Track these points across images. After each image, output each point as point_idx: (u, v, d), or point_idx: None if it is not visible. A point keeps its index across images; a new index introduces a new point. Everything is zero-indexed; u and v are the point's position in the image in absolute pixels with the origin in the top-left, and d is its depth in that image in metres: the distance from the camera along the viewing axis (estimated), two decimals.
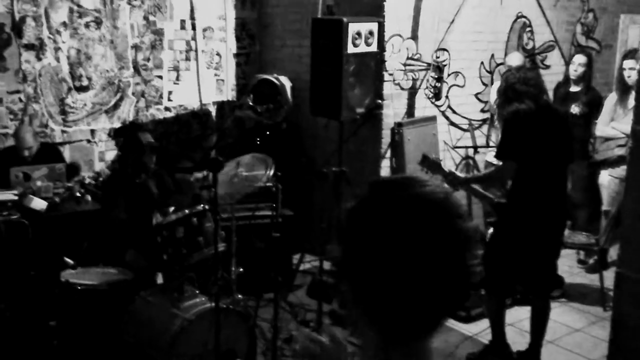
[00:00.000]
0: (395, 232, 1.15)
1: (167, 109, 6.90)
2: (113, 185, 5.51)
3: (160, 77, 6.81)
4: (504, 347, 4.82)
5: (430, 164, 4.80)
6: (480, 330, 5.23)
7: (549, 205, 4.52)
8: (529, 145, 4.45)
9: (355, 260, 1.18)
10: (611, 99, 6.34)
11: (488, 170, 4.55)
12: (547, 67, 7.31)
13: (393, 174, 6.11)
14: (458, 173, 4.98)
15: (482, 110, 6.84)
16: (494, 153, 5.16)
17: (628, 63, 6.16)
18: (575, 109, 6.52)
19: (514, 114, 4.46)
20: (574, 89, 6.56)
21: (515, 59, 6.34)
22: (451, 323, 5.43)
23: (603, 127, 6.34)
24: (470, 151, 6.57)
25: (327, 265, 5.27)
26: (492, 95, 6.40)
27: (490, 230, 5.24)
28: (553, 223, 4.61)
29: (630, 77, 6.08)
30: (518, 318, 5.24)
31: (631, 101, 6.11)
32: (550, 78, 7.24)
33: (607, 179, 6.31)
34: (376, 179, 1.27)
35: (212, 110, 7.22)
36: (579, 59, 6.51)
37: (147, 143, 5.37)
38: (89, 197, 5.60)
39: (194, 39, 6.96)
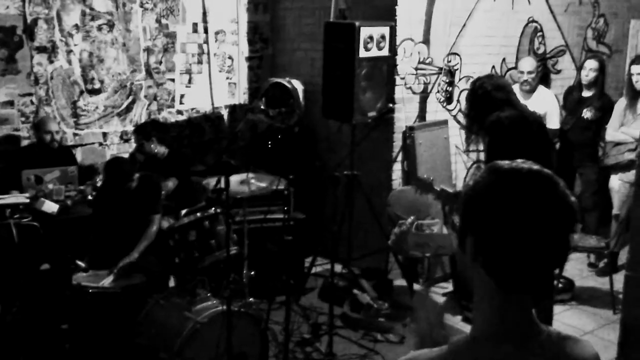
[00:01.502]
0: (514, 197, 1.37)
1: (179, 112, 6.92)
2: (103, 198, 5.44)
3: (173, 80, 6.83)
4: None
5: (421, 184, 4.81)
6: None
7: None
8: (516, 152, 4.39)
9: (480, 222, 1.40)
10: (620, 103, 6.33)
11: None
12: (558, 71, 7.30)
13: (405, 178, 6.12)
14: (448, 189, 4.96)
15: None
16: None
17: (636, 68, 6.16)
18: (587, 114, 6.52)
19: (497, 122, 4.39)
20: (586, 93, 6.56)
21: (528, 64, 6.33)
22: (461, 325, 5.43)
23: (613, 131, 6.33)
24: (482, 155, 6.56)
25: (338, 268, 5.27)
26: None
27: None
28: None
29: (638, 82, 6.08)
30: None
31: None
32: (562, 83, 7.25)
33: (618, 183, 6.31)
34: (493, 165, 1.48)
35: (225, 113, 7.23)
36: (591, 64, 6.51)
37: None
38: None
39: (206, 42, 6.98)
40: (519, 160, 1.47)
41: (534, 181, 1.40)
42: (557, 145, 7.04)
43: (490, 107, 4.45)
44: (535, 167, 1.44)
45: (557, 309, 5.72)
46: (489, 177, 1.43)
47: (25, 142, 6.03)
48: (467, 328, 5.32)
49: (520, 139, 4.37)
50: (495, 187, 1.41)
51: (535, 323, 1.48)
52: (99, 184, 5.70)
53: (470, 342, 1.45)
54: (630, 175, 6.06)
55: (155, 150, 6.06)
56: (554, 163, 4.70)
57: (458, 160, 6.53)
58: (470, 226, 1.43)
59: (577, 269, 6.63)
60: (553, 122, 6.38)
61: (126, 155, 6.54)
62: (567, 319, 5.57)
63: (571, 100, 6.72)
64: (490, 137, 4.51)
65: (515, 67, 6.61)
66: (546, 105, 6.34)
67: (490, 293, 1.43)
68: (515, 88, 6.41)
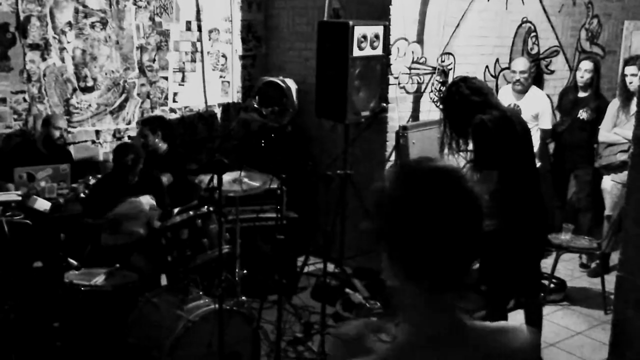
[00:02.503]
0: (422, 198, 1.37)
1: (172, 110, 6.91)
2: (103, 189, 5.46)
3: (166, 78, 6.82)
4: None
5: None
6: None
7: (530, 207, 4.48)
8: (502, 153, 4.35)
9: (392, 226, 1.40)
10: (614, 104, 6.35)
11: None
12: (552, 72, 7.32)
13: None
14: None
15: None
16: None
17: (630, 69, 6.18)
18: (583, 115, 6.54)
19: (481, 124, 4.32)
20: (581, 94, 6.59)
21: (521, 64, 6.34)
22: None
23: (606, 132, 6.35)
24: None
25: (330, 267, 5.27)
26: (500, 100, 6.40)
27: None
28: (536, 225, 4.55)
29: (632, 83, 6.10)
30: (519, 321, 5.24)
31: (633, 107, 6.12)
32: (555, 83, 7.26)
33: (610, 184, 6.33)
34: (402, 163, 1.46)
35: (218, 112, 7.23)
36: (586, 65, 6.53)
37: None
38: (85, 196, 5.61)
39: (199, 40, 6.97)
40: (424, 158, 1.47)
41: (435, 178, 1.40)
42: (551, 146, 7.06)
43: (470, 112, 4.38)
44: (438, 163, 1.44)
45: (549, 309, 5.73)
46: (393, 181, 1.43)
47: (17, 140, 6.01)
48: None
49: (505, 140, 4.35)
50: (399, 189, 1.41)
51: (460, 319, 1.48)
52: (91, 182, 5.69)
53: (398, 347, 1.45)
54: (623, 176, 6.08)
55: (158, 145, 6.11)
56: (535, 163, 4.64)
57: (451, 160, 6.53)
58: (383, 230, 1.43)
59: (569, 269, 6.66)
60: (545, 122, 6.40)
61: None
62: (558, 320, 5.59)
63: (567, 102, 6.74)
64: (475, 141, 4.47)
65: (509, 68, 6.62)
66: (538, 105, 6.35)
67: (412, 295, 1.44)
68: (508, 88, 6.44)
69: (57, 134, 5.83)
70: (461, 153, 4.80)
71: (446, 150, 4.68)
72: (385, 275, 1.48)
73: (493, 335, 1.51)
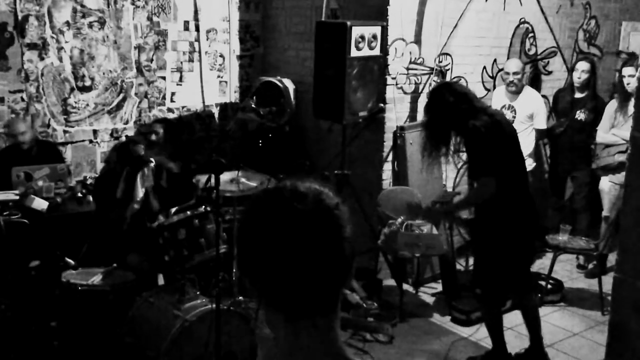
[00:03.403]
0: (275, 235, 1.30)
1: (169, 110, 6.90)
2: (108, 180, 5.52)
3: (164, 78, 6.82)
4: (506, 356, 4.82)
5: (412, 209, 4.79)
6: (482, 335, 5.24)
7: (521, 209, 4.49)
8: (499, 157, 4.36)
9: (248, 259, 1.35)
10: (611, 105, 6.36)
11: (466, 195, 4.39)
12: (549, 72, 7.32)
13: (394, 178, 6.13)
14: (436, 206, 4.97)
15: None
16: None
17: (627, 70, 6.19)
18: (580, 115, 6.55)
19: (476, 131, 4.28)
20: (578, 95, 6.59)
21: (514, 65, 6.34)
22: (449, 325, 5.45)
23: (603, 133, 6.35)
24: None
25: None
26: (495, 101, 6.42)
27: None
28: (527, 227, 4.56)
29: (630, 84, 6.11)
30: (515, 322, 5.24)
31: (631, 108, 6.10)
32: (552, 84, 7.27)
33: (608, 184, 6.33)
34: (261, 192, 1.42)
35: (215, 112, 7.23)
36: (582, 65, 6.54)
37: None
38: (90, 198, 5.61)
39: (197, 40, 6.97)
40: (288, 183, 1.39)
41: (273, 202, 1.34)
42: (548, 147, 7.07)
43: (456, 119, 4.36)
44: (285, 184, 1.38)
45: (546, 310, 5.74)
46: (244, 214, 1.39)
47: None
48: (455, 329, 5.36)
49: (498, 144, 4.35)
50: (245, 216, 1.38)
51: (334, 349, 1.39)
52: (88, 182, 5.70)
53: None
54: (620, 177, 6.09)
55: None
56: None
57: (448, 161, 6.52)
58: (240, 265, 1.39)
59: (566, 270, 6.67)
60: (540, 122, 6.41)
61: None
62: (555, 320, 5.59)
63: (563, 103, 6.74)
64: (470, 148, 4.44)
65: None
66: (533, 105, 6.36)
67: (281, 327, 1.37)
68: (502, 89, 6.45)
69: (20, 138, 5.65)
70: (444, 159, 4.76)
71: (429, 159, 4.61)
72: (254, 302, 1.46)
73: None
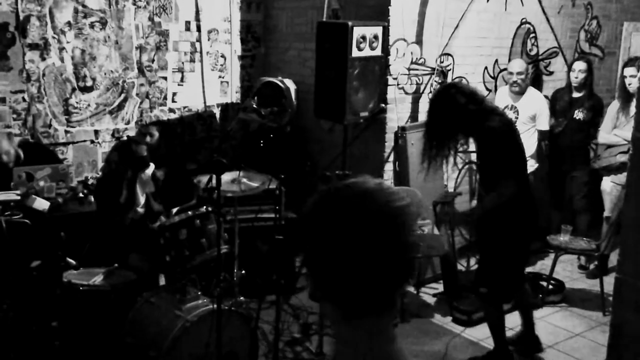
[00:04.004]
0: (342, 232, 1.31)
1: (171, 110, 6.91)
2: (110, 183, 5.53)
3: (165, 78, 6.82)
4: (508, 356, 4.83)
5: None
6: (483, 336, 5.24)
7: (526, 207, 4.52)
8: (514, 158, 4.40)
9: (313, 253, 1.36)
10: (614, 106, 6.37)
11: (491, 199, 4.39)
12: (551, 73, 7.32)
13: (396, 178, 6.13)
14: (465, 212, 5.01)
15: None
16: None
17: (629, 70, 6.19)
18: (579, 115, 6.56)
19: (492, 132, 4.28)
20: (576, 95, 6.60)
21: (517, 65, 6.35)
22: (450, 326, 5.45)
23: (605, 134, 6.36)
24: (473, 156, 6.58)
25: None
26: (498, 101, 6.41)
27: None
28: (530, 224, 4.60)
29: (631, 84, 6.11)
30: (517, 323, 5.24)
31: (633, 108, 6.14)
32: (554, 84, 7.27)
33: (609, 185, 6.34)
34: (329, 186, 1.42)
35: (217, 112, 7.23)
36: (579, 65, 6.55)
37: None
38: (92, 198, 5.61)
39: (198, 40, 6.97)
40: (355, 180, 1.40)
41: (350, 200, 1.35)
42: (547, 147, 7.06)
43: (469, 120, 4.34)
44: (363, 184, 1.38)
45: (547, 310, 5.75)
46: (315, 202, 1.39)
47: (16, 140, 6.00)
48: (457, 329, 5.36)
49: (513, 145, 4.40)
50: (317, 214, 1.37)
51: (388, 350, 1.40)
52: (89, 182, 5.70)
53: None
54: (622, 177, 6.08)
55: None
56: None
57: (449, 161, 6.52)
58: (304, 259, 1.41)
59: (567, 270, 6.68)
60: (543, 123, 6.41)
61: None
62: (557, 321, 5.59)
63: (561, 103, 6.75)
64: (485, 148, 4.43)
65: (507, 69, 6.63)
66: (536, 106, 6.36)
67: (338, 323, 1.39)
68: (505, 89, 6.45)
69: (4, 158, 5.49)
70: (446, 161, 4.75)
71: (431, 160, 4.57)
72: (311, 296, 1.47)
73: None
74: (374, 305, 1.35)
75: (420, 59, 6.17)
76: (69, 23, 6.16)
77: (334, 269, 1.32)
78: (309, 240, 1.36)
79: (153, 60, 6.71)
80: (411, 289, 6.05)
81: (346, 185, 1.38)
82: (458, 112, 4.32)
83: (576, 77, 6.55)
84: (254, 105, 6.25)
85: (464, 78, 6.51)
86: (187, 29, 6.88)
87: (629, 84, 6.14)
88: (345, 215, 1.32)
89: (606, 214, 6.38)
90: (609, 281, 5.00)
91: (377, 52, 5.50)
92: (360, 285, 1.32)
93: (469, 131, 4.45)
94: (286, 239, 4.59)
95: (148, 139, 6.21)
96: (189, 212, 4.59)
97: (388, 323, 1.39)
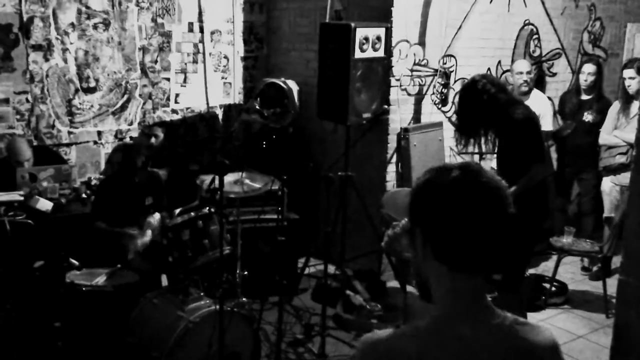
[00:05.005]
0: (450, 189, 1.55)
1: (174, 111, 6.91)
2: (108, 189, 5.49)
3: (168, 79, 6.83)
4: None
5: None
6: None
7: (546, 197, 4.80)
8: (542, 144, 4.65)
9: (425, 212, 1.58)
10: (614, 107, 6.36)
11: (522, 183, 4.52)
12: (554, 74, 7.32)
13: (398, 179, 6.13)
14: None
15: None
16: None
17: (627, 72, 6.19)
18: (588, 117, 6.54)
19: (528, 119, 4.50)
20: (584, 97, 6.59)
21: (525, 65, 6.35)
22: None
23: (606, 135, 6.35)
24: (476, 157, 6.58)
25: (331, 269, 5.27)
26: None
27: None
28: (545, 215, 4.88)
29: (630, 86, 6.11)
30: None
31: (633, 110, 6.15)
32: (557, 86, 7.26)
33: (609, 185, 6.34)
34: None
35: (219, 113, 7.23)
36: (589, 68, 6.53)
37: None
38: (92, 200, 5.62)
39: (201, 41, 6.97)
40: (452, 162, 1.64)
41: (463, 174, 1.56)
42: (553, 148, 7.05)
43: (495, 110, 4.49)
44: (464, 163, 1.61)
45: (550, 312, 5.74)
46: (427, 176, 1.63)
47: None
48: None
49: (540, 131, 4.64)
50: (434, 183, 1.59)
51: (489, 306, 1.59)
52: (92, 182, 5.70)
53: (430, 323, 1.56)
54: (621, 178, 6.10)
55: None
56: None
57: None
58: (417, 217, 1.60)
59: (570, 272, 6.66)
60: (547, 123, 6.39)
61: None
62: (559, 323, 5.58)
63: (570, 105, 6.73)
64: (521, 133, 4.54)
65: (509, 70, 6.62)
66: (540, 106, 6.35)
67: (442, 277, 1.58)
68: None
69: (25, 165, 5.57)
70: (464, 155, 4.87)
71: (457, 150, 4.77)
72: (414, 260, 1.64)
73: (522, 327, 1.59)
74: (479, 262, 1.55)
75: (423, 60, 6.17)
76: (72, 24, 6.17)
77: (449, 229, 1.53)
78: (428, 203, 1.57)
79: (156, 61, 6.72)
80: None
81: (465, 163, 1.61)
82: (488, 101, 4.47)
83: (585, 80, 6.53)
84: (257, 107, 6.25)
85: (467, 79, 6.49)
86: (190, 30, 6.89)
87: (628, 86, 6.14)
88: (462, 185, 1.54)
89: (605, 214, 6.38)
90: (612, 283, 4.99)
91: (380, 53, 5.51)
92: (468, 243, 1.52)
93: (495, 121, 4.57)
94: (288, 240, 4.60)
95: (153, 140, 6.23)
96: (192, 213, 4.59)
97: (484, 283, 1.59)
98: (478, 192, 1.54)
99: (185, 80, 6.94)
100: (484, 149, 4.82)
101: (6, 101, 5.95)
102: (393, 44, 5.87)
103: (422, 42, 6.12)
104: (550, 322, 5.56)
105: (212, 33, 7.04)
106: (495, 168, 5.85)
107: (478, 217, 1.52)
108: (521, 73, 6.31)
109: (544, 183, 4.75)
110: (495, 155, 6.46)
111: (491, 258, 1.56)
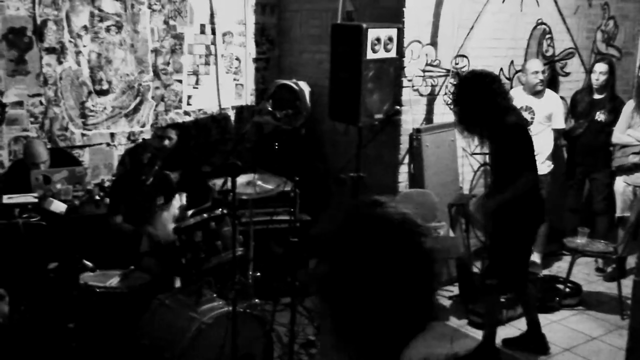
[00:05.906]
0: (368, 257, 1.21)
1: (186, 113, 6.93)
2: (120, 188, 5.54)
3: (180, 81, 6.85)
4: (495, 352, 4.95)
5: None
6: (498, 339, 5.21)
7: (539, 204, 4.78)
8: (532, 153, 4.59)
9: (335, 285, 1.23)
10: (629, 106, 6.32)
11: (511, 190, 4.52)
12: (567, 74, 7.28)
13: (411, 180, 6.11)
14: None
15: None
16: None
17: None
18: (600, 116, 6.51)
19: (517, 126, 4.50)
20: (597, 96, 6.55)
21: (538, 64, 6.32)
22: (466, 329, 5.42)
23: (619, 134, 6.31)
24: (488, 158, 6.55)
25: None
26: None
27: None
28: (539, 221, 4.90)
29: None
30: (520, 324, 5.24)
31: None
32: (570, 85, 7.22)
33: (622, 185, 6.31)
34: (351, 207, 1.33)
35: (231, 114, 7.25)
36: (601, 67, 6.50)
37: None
38: (108, 200, 5.64)
39: (213, 43, 6.99)
40: (375, 201, 1.31)
41: (385, 229, 1.26)
42: (565, 147, 7.02)
43: (489, 112, 4.46)
44: (391, 210, 1.28)
45: (564, 313, 5.71)
46: (341, 226, 1.30)
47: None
48: (472, 332, 5.34)
49: (530, 140, 4.60)
50: (345, 236, 1.28)
51: None
52: (106, 184, 5.72)
53: None
54: (635, 178, 6.07)
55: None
56: None
57: (465, 163, 6.51)
58: (320, 276, 1.28)
59: (584, 273, 6.62)
60: (559, 122, 6.37)
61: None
62: (574, 324, 5.55)
63: (582, 104, 6.69)
64: (511, 140, 4.53)
65: (521, 70, 6.59)
66: (553, 105, 6.33)
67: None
68: (520, 90, 6.39)
69: (42, 167, 5.59)
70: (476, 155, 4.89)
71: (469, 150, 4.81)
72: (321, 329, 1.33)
73: None
74: (393, 348, 1.27)
75: (435, 60, 6.15)
76: (85, 27, 6.20)
77: (360, 305, 1.22)
78: (332, 265, 1.25)
79: (168, 64, 6.74)
80: None
81: (383, 215, 1.29)
82: (487, 101, 4.45)
83: (597, 79, 6.50)
84: (269, 108, 6.25)
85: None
86: (202, 32, 6.91)
87: None
88: (385, 245, 1.23)
89: (618, 214, 6.34)
90: (627, 284, 4.98)
91: (392, 54, 5.50)
92: (386, 327, 1.23)
93: (489, 125, 4.55)
94: (301, 242, 4.60)
95: (166, 142, 6.24)
96: (204, 215, 4.60)
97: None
98: (406, 263, 1.24)
99: (197, 82, 6.96)
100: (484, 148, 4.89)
101: (20, 104, 5.99)
102: (405, 45, 5.86)
103: (434, 43, 6.11)
104: (564, 324, 5.53)
105: (224, 35, 7.05)
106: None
107: (399, 291, 1.23)
108: (536, 72, 6.27)
109: (537, 190, 4.76)
110: None
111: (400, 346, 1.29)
